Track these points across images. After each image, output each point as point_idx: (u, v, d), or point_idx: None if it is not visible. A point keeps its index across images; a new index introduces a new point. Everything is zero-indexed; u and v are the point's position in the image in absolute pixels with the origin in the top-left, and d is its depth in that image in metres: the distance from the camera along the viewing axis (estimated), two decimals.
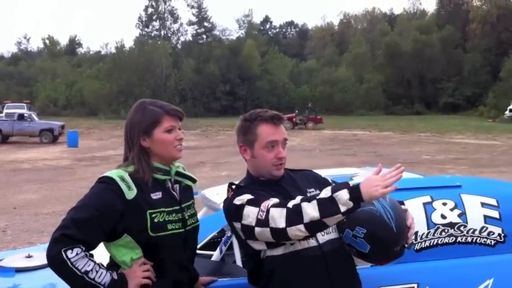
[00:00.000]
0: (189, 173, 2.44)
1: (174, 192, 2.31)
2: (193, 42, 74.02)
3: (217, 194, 3.55)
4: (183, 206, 2.32)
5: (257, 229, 2.18)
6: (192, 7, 75.83)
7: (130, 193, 2.14)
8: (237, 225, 2.27)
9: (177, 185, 2.35)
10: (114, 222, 2.12)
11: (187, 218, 2.32)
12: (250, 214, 2.20)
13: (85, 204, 2.12)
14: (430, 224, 3.00)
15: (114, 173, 2.18)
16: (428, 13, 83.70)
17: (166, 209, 2.22)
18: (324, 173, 3.97)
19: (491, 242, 3.07)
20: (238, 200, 2.27)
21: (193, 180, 2.44)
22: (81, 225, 2.06)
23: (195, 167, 16.23)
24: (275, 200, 2.22)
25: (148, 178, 2.20)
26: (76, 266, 2.03)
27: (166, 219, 2.22)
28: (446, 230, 3.01)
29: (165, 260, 2.23)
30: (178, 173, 2.37)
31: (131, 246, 2.18)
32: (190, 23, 76.89)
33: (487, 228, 3.08)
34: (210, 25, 77.06)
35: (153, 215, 2.18)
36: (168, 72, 61.96)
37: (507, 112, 48.27)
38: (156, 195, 2.22)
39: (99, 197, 2.13)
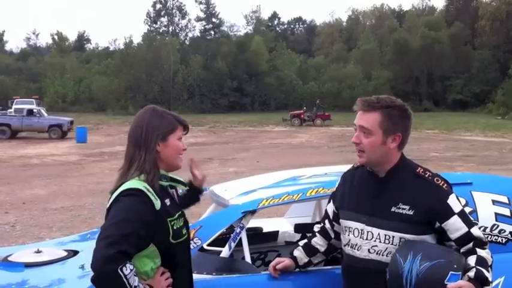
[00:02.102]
0: (179, 178, 2.47)
1: (175, 198, 2.37)
2: (201, 38, 73.90)
3: (226, 190, 3.53)
4: (183, 210, 2.39)
5: None
6: (200, 3, 75.77)
7: (157, 203, 2.15)
8: None
9: (173, 190, 2.40)
10: (147, 234, 2.11)
11: (188, 220, 2.40)
12: None
13: (126, 219, 2.05)
14: None
15: (138, 184, 2.16)
16: (437, 9, 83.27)
17: (177, 215, 2.27)
18: (332, 169, 3.97)
19: (502, 240, 3.04)
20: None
21: (185, 184, 2.50)
22: (131, 239, 2.02)
23: (202, 163, 16.01)
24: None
25: (157, 185, 2.21)
26: (130, 282, 1.98)
27: (180, 225, 2.27)
28: None
29: (178, 265, 2.27)
30: (171, 179, 2.40)
31: (153, 256, 2.18)
32: (198, 19, 76.89)
33: (498, 226, 3.05)
34: (218, 21, 76.97)
35: (172, 223, 2.21)
36: (176, 68, 61.95)
37: None
38: (168, 202, 2.25)
39: (136, 210, 2.09)
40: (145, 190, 2.13)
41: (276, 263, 2.73)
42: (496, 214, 3.07)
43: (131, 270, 1.98)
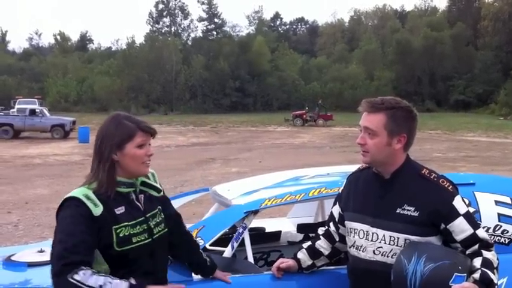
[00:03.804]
0: (154, 183, 2.44)
1: (138, 203, 2.32)
2: (203, 39, 73.97)
3: (229, 190, 3.54)
4: (147, 215, 2.33)
5: None
6: (203, 3, 75.88)
7: (97, 210, 2.16)
8: None
9: (142, 195, 2.36)
10: (94, 238, 2.15)
11: (153, 227, 2.34)
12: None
13: (69, 233, 2.11)
14: None
15: (78, 193, 2.19)
16: (439, 10, 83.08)
17: (129, 223, 2.24)
18: (334, 169, 3.97)
19: (505, 241, 3.04)
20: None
21: (158, 191, 2.45)
22: (78, 249, 2.07)
23: (205, 163, 16.34)
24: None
25: (111, 193, 2.21)
26: (88, 284, 2.04)
27: (131, 232, 2.24)
28: None
29: (133, 271, 2.24)
30: (144, 183, 2.38)
31: (98, 261, 2.19)
32: (201, 19, 77.02)
33: (501, 226, 3.05)
34: (220, 21, 77.08)
35: (118, 230, 2.20)
36: (178, 69, 62.00)
37: None
38: (119, 210, 2.23)
39: (72, 221, 2.13)
40: (82, 198, 2.16)
41: (280, 263, 2.73)
42: (499, 215, 3.07)
43: (84, 274, 2.04)
